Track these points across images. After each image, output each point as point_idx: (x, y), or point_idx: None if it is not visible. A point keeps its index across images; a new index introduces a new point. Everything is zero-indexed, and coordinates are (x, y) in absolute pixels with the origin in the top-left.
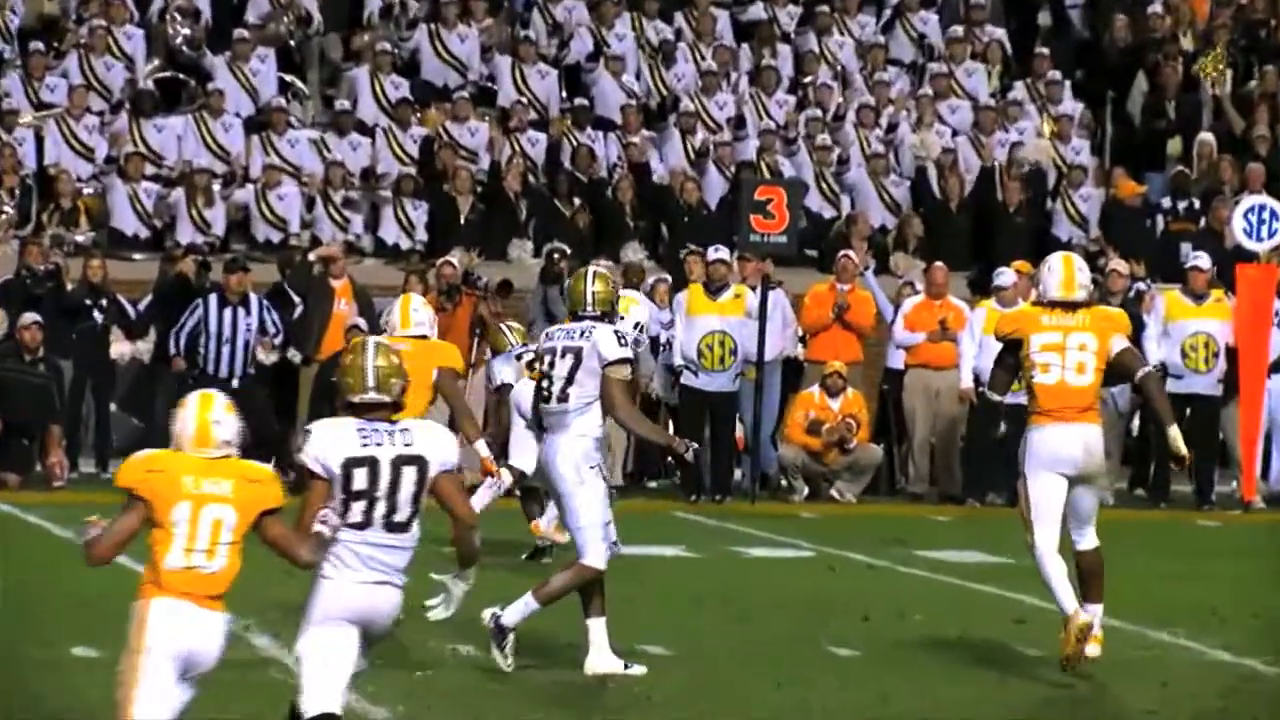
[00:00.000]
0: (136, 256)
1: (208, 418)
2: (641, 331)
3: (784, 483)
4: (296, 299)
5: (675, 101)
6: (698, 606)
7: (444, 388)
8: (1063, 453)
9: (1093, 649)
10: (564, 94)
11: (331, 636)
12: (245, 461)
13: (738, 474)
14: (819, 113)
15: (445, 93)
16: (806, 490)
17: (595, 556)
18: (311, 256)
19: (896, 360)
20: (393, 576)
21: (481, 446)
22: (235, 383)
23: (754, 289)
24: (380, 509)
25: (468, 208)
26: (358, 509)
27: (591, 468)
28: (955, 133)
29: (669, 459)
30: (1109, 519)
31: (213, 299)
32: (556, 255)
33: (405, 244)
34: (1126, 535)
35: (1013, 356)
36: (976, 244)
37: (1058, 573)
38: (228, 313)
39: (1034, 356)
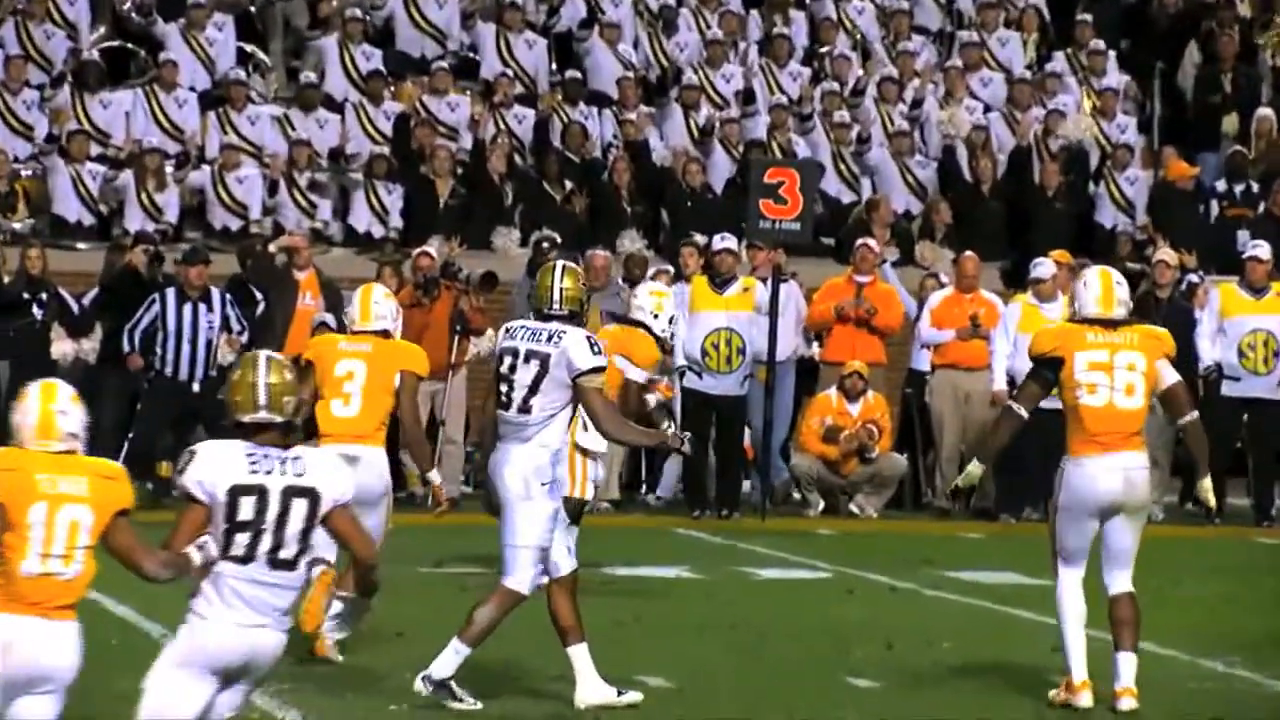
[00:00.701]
0: (80, 246)
1: (51, 408)
2: (674, 324)
3: (797, 496)
4: (258, 293)
5: (677, 74)
6: (702, 634)
7: (403, 397)
8: (1100, 487)
9: (1126, 702)
10: (554, 66)
11: (183, 687)
12: (94, 458)
13: (746, 486)
14: (836, 86)
15: (422, 64)
16: (822, 504)
17: (520, 579)
18: (273, 247)
19: (922, 361)
20: (274, 619)
21: (434, 475)
22: (196, 386)
23: (764, 281)
24: (266, 543)
25: (447, 192)
26: (241, 541)
27: (543, 484)
28: (987, 108)
29: (665, 457)
30: (1157, 536)
31: (170, 293)
32: (546, 245)
33: (378, 232)
34: (1177, 555)
35: (1049, 372)
36: (1011, 232)
37: (1074, 617)
38: (187, 309)
39: (1079, 376)
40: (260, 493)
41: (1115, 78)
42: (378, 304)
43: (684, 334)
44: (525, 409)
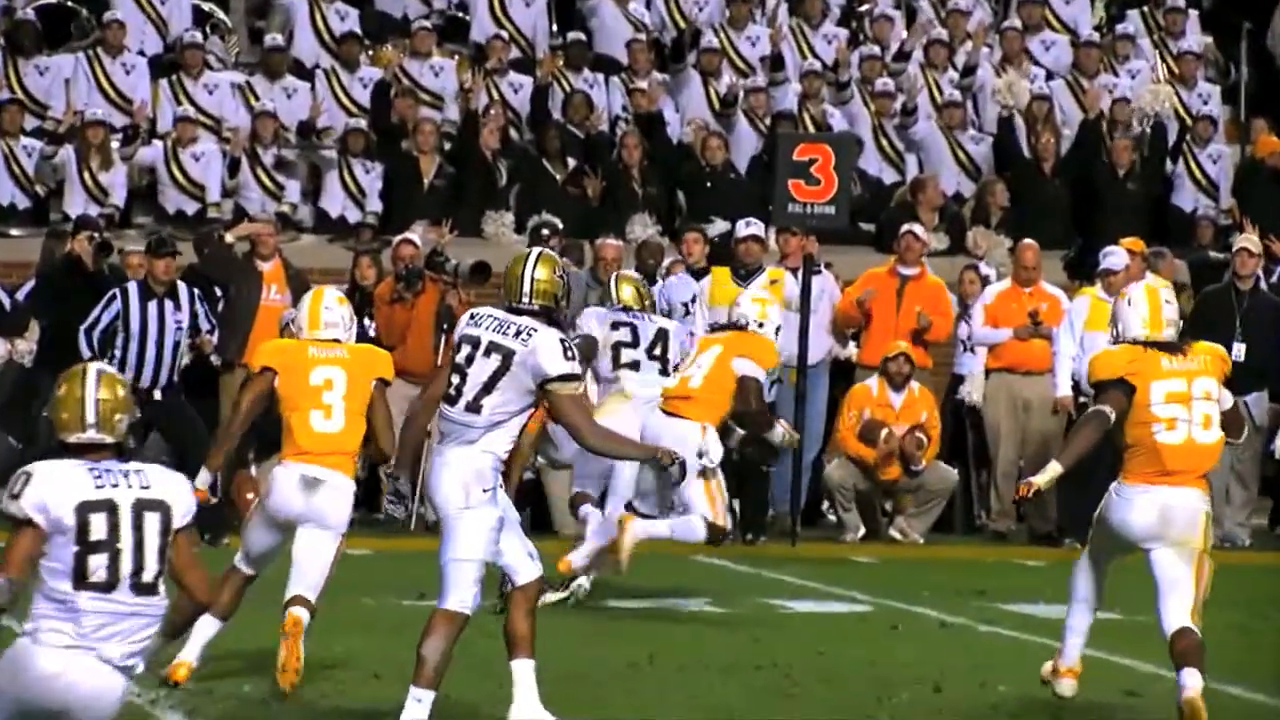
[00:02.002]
0: (14, 232)
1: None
2: (779, 335)
3: (832, 516)
4: (217, 288)
5: (695, 36)
6: (726, 676)
7: (375, 404)
8: (1134, 521)
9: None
10: (554, 27)
11: None
12: None
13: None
14: (877, 50)
15: (404, 25)
16: (862, 528)
17: (462, 598)
18: (230, 236)
19: (967, 364)
20: (130, 657)
21: (403, 485)
22: (158, 394)
23: (794, 273)
24: (127, 564)
25: (433, 171)
26: (99, 565)
27: (485, 491)
28: (1050, 76)
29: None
30: (1244, 564)
31: (133, 289)
32: (545, 231)
33: (354, 216)
34: (1267, 586)
35: (1113, 408)
36: (1076, 217)
37: (1081, 598)
38: (152, 307)
39: (1155, 409)
40: (110, 508)
41: (1196, 39)
42: (328, 310)
43: (703, 332)
44: (474, 408)
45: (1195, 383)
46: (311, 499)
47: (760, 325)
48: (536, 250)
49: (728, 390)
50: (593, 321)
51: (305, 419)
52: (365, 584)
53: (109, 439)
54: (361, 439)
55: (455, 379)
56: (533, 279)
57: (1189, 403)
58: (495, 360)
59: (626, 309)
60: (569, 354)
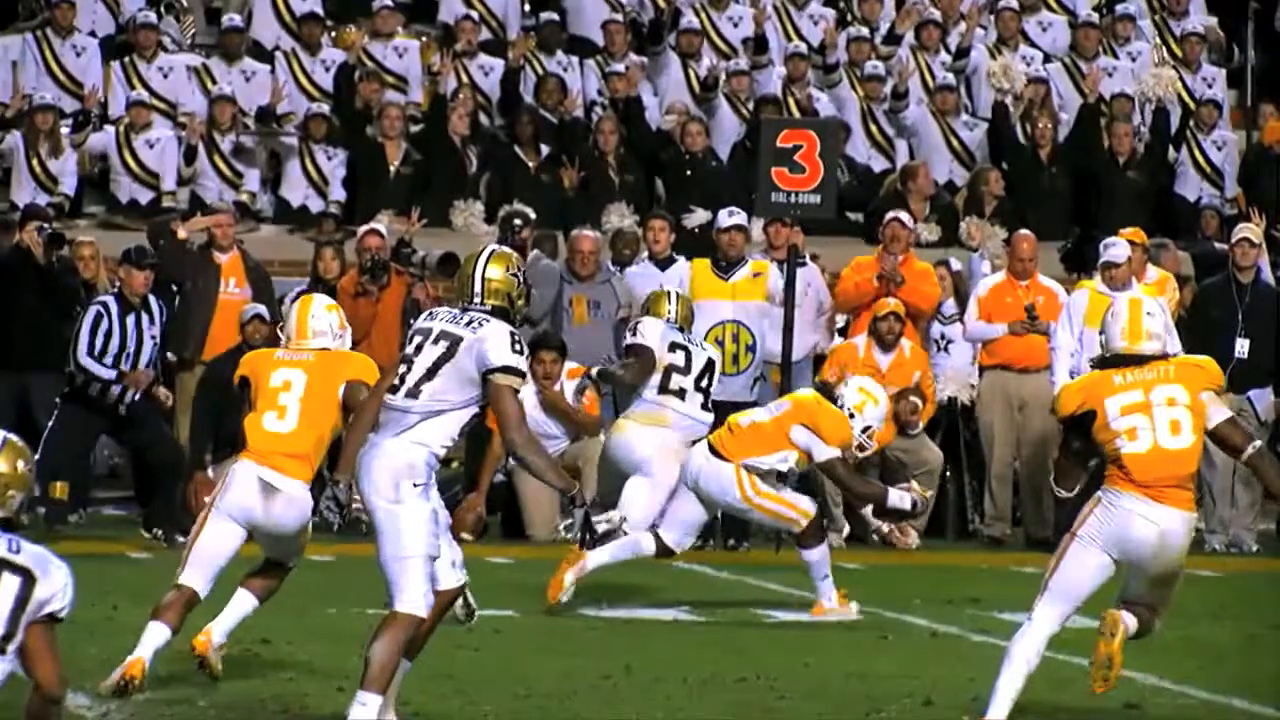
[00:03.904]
0: None
1: None
2: (869, 436)
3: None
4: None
5: (675, 16)
6: (707, 688)
7: (351, 407)
8: (1133, 535)
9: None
10: (527, 7)
11: None
12: None
13: None
14: (865, 31)
15: (367, 4)
16: (847, 528)
17: (413, 598)
18: (183, 232)
19: (948, 362)
20: None
21: (342, 492)
22: (123, 408)
23: (781, 266)
24: None
25: (399, 158)
26: None
27: (416, 485)
28: (1047, 58)
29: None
30: (1249, 571)
31: (112, 303)
32: (518, 222)
33: (316, 205)
34: (1272, 593)
35: (1081, 440)
36: (1075, 206)
37: (1018, 668)
38: (130, 320)
39: (1113, 425)
40: None
41: (1200, 20)
42: (315, 318)
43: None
44: (414, 393)
45: (1154, 391)
46: (269, 507)
47: (852, 415)
48: (489, 248)
49: (773, 445)
50: (655, 336)
51: (259, 419)
52: (329, 592)
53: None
54: (317, 443)
55: (402, 368)
56: (484, 278)
57: (1149, 410)
58: (443, 346)
59: (682, 330)
60: (517, 348)
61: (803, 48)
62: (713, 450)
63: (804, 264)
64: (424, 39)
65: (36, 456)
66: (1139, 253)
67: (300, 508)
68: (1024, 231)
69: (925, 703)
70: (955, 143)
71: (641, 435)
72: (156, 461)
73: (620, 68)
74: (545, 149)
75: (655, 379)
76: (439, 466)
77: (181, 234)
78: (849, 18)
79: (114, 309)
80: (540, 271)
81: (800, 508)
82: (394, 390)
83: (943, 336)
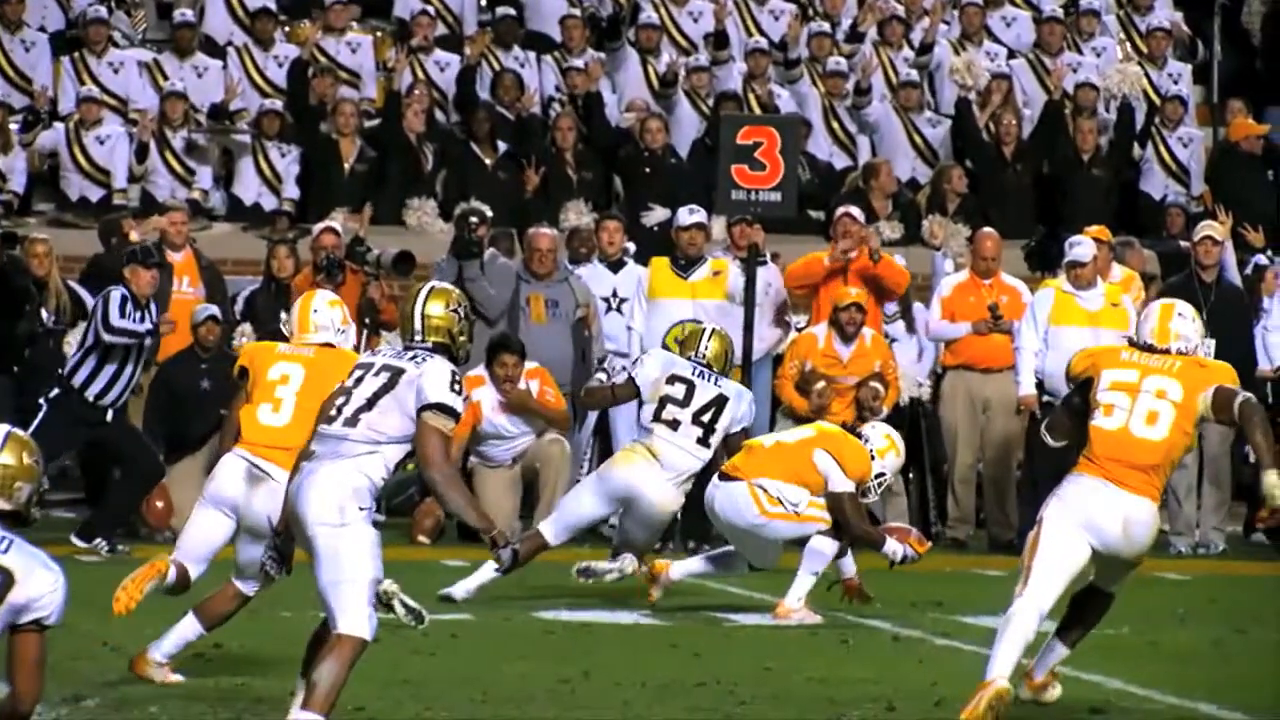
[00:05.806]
0: None
1: None
2: (879, 484)
3: None
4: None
5: (634, 11)
6: (666, 694)
7: None
8: (1097, 518)
9: (1054, 691)
10: (483, 1)
11: None
12: None
13: None
14: (827, 26)
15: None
16: None
17: (357, 621)
18: (135, 234)
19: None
20: None
21: (284, 543)
22: (109, 414)
23: (743, 264)
24: None
25: (353, 155)
26: None
27: (361, 509)
28: (1011, 54)
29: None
30: (1220, 574)
31: (124, 290)
32: (474, 220)
33: (269, 203)
34: (1239, 596)
35: (1081, 397)
36: (1039, 204)
37: (1018, 636)
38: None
39: (1099, 395)
40: None
41: (1166, 15)
42: (317, 312)
43: (641, 327)
44: (352, 421)
45: (1149, 378)
46: (252, 496)
47: (874, 456)
48: (429, 285)
49: (792, 468)
50: (655, 367)
51: (254, 411)
52: (284, 595)
53: (5, 506)
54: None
55: (340, 399)
56: (424, 315)
57: (1134, 394)
58: (384, 377)
59: (703, 367)
60: (456, 388)
61: (764, 43)
62: (724, 476)
63: (764, 263)
64: (379, 34)
65: None
66: (1104, 251)
67: (281, 502)
68: (987, 230)
69: (888, 708)
70: (918, 140)
71: (632, 466)
72: (136, 474)
73: (579, 63)
74: (502, 146)
75: (651, 408)
76: (379, 491)
77: (133, 236)
78: (811, 13)
79: (128, 299)
80: (497, 270)
81: (820, 516)
82: (329, 421)
83: (886, 335)
